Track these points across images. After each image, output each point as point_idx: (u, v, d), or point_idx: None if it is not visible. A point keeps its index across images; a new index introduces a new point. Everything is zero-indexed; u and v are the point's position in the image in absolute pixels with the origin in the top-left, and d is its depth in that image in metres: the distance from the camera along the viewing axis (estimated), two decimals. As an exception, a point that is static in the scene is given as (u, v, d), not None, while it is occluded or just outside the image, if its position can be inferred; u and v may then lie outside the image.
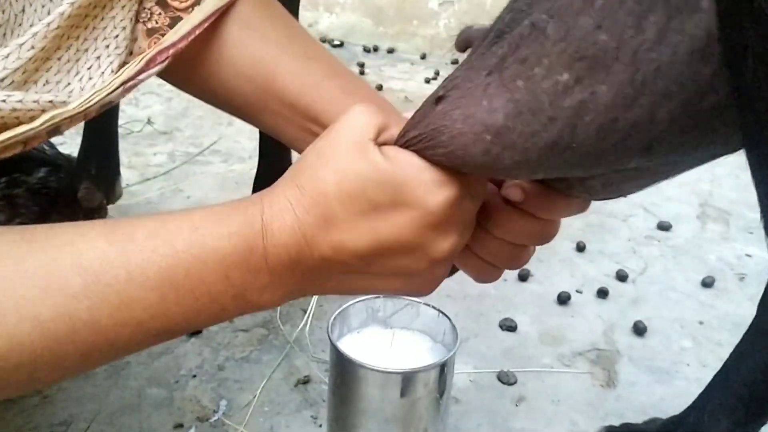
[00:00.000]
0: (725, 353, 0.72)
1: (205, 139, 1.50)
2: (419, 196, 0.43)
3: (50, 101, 0.48)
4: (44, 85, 0.50)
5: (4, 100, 0.46)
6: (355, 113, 0.45)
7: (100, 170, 1.12)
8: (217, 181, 1.34)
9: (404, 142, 0.44)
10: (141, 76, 0.53)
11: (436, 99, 0.43)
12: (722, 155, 0.40)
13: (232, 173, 1.37)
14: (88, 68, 0.52)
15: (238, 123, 1.60)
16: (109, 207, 1.16)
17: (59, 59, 0.51)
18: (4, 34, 0.49)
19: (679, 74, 0.34)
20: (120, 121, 1.21)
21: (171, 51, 0.55)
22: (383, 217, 0.43)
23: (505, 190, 0.47)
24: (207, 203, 1.25)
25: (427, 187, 0.43)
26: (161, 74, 0.57)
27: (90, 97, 0.49)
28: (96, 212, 1.12)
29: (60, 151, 1.15)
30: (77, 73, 0.51)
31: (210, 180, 1.35)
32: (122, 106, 1.38)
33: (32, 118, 0.47)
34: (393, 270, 0.45)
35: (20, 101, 0.46)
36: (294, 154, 1.12)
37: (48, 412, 0.79)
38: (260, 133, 1.10)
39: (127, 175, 1.28)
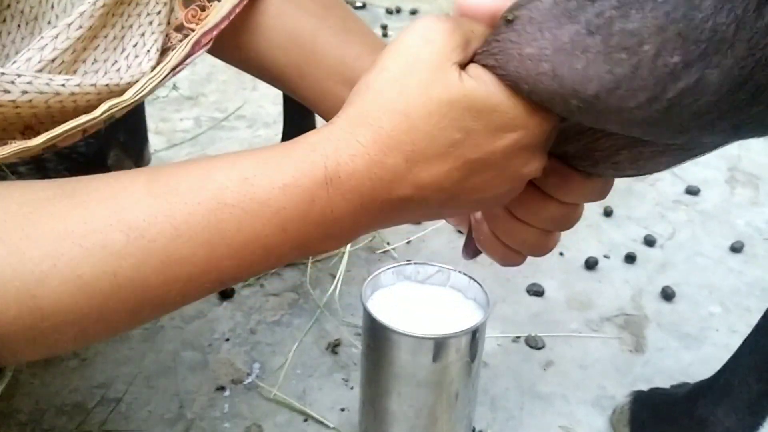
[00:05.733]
0: (754, 319, 0.72)
1: (230, 104, 1.50)
2: (519, 117, 0.40)
3: (106, 84, 0.49)
4: (93, 63, 0.51)
5: (63, 84, 0.46)
6: (429, 30, 0.40)
7: (128, 137, 1.13)
8: (244, 146, 1.34)
9: (484, 66, 0.41)
10: (187, 60, 0.53)
11: (526, 36, 0.38)
12: None
13: (258, 138, 1.38)
14: (134, 45, 0.52)
15: (263, 88, 1.60)
16: (139, 173, 1.17)
17: (105, 37, 0.51)
18: (36, 17, 0.50)
19: None
20: (147, 87, 1.22)
21: (215, 32, 0.55)
22: (478, 144, 0.40)
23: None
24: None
25: (525, 108, 0.40)
26: None
27: (144, 85, 0.49)
28: (126, 178, 1.14)
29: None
30: (123, 51, 0.52)
31: (236, 145, 1.35)
32: (148, 72, 1.39)
33: (88, 102, 0.48)
34: (477, 196, 0.43)
35: (78, 85, 0.47)
36: (318, 119, 1.13)
37: (87, 374, 0.81)
38: (284, 98, 1.10)
39: (154, 141, 1.29)
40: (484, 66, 0.41)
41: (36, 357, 0.42)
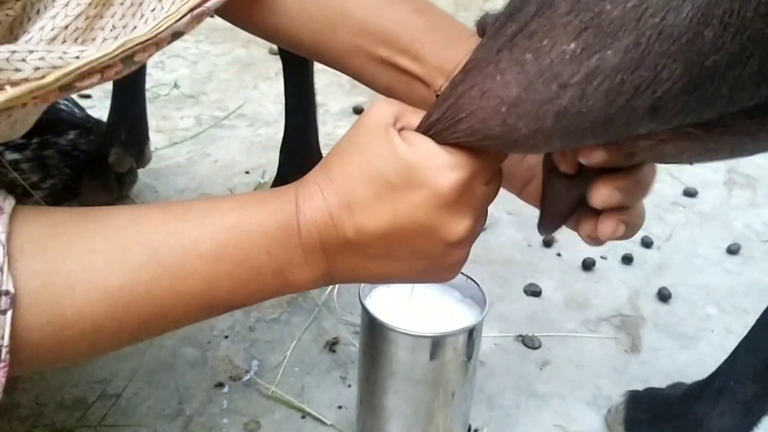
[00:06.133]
0: (750, 320, 0.73)
1: (231, 102, 1.51)
2: (430, 177, 0.45)
3: (122, 51, 0.46)
4: (111, 30, 0.50)
5: (77, 57, 0.44)
6: (375, 105, 0.48)
7: (129, 135, 1.14)
8: (244, 145, 1.35)
9: (427, 125, 0.47)
10: (209, 3, 0.50)
11: (454, 82, 0.45)
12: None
13: (259, 137, 1.38)
14: (152, 10, 0.51)
15: (263, 86, 1.61)
16: (139, 171, 1.17)
17: (122, 4, 0.50)
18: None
19: (680, 36, 0.36)
20: (147, 85, 1.22)
21: None
22: (400, 197, 0.45)
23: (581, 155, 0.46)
24: (235, 167, 1.27)
25: (439, 168, 0.45)
26: (222, 13, 0.57)
27: (160, 22, 0.48)
28: (127, 176, 1.14)
29: (89, 114, 1.17)
30: (142, 16, 0.51)
31: (237, 144, 1.35)
32: (149, 70, 1.38)
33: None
34: (412, 254, 0.48)
35: (94, 56, 0.44)
36: (320, 118, 1.13)
37: (87, 370, 0.82)
38: (286, 97, 1.10)
39: (155, 139, 1.29)
40: (429, 123, 0.47)
41: (49, 366, 0.48)
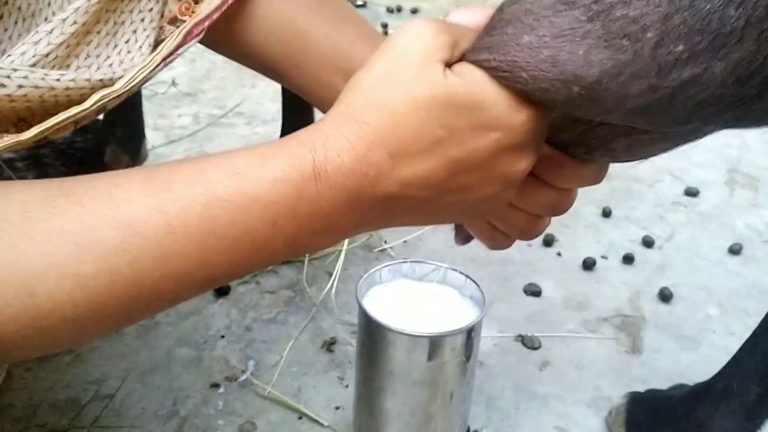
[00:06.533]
0: (752, 321, 0.72)
1: (229, 101, 1.50)
2: (502, 115, 0.40)
3: (100, 80, 0.49)
4: (86, 59, 0.51)
5: (58, 79, 0.46)
6: (418, 30, 0.41)
7: (126, 133, 1.13)
8: (242, 143, 1.34)
9: (475, 61, 0.41)
10: (179, 51, 0.53)
11: (523, 26, 0.39)
12: None
13: (256, 135, 1.37)
14: (126, 42, 0.52)
15: (261, 85, 1.60)
16: (136, 169, 1.16)
17: (98, 33, 0.52)
18: (33, 14, 0.50)
19: None
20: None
21: (207, 23, 0.54)
22: (460, 142, 0.40)
23: None
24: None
25: (510, 105, 0.40)
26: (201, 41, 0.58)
27: (134, 75, 0.49)
28: (123, 174, 1.13)
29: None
30: (116, 47, 0.52)
31: (234, 142, 1.35)
32: (147, 68, 1.38)
33: (82, 96, 0.48)
34: (463, 197, 0.43)
35: (72, 80, 0.47)
36: (317, 114, 1.12)
37: (80, 370, 0.81)
38: (283, 95, 1.10)
39: (152, 137, 1.28)
40: (477, 61, 0.41)
41: (31, 356, 0.43)
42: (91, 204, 0.39)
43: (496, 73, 0.40)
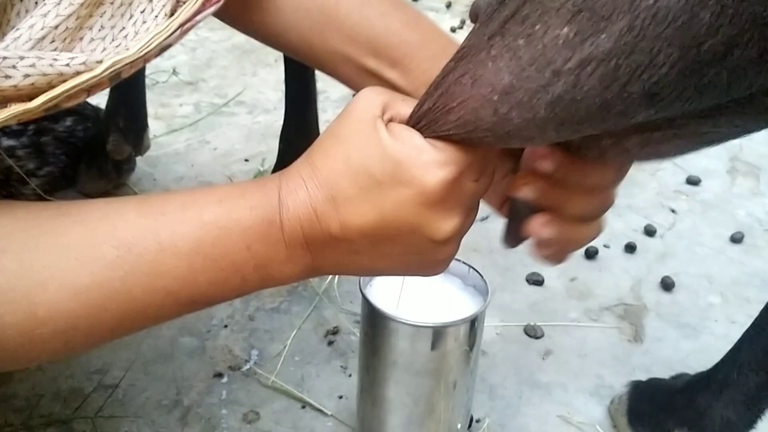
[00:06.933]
0: (753, 310, 0.72)
1: (230, 89, 1.49)
2: (416, 175, 0.43)
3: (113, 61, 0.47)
4: (99, 30, 0.49)
5: (67, 64, 0.44)
6: (363, 93, 0.46)
7: (128, 122, 1.12)
8: (243, 132, 1.34)
9: (417, 116, 0.45)
10: (198, 17, 0.51)
11: (446, 70, 0.43)
12: (746, 116, 0.40)
13: (258, 125, 1.37)
14: (141, 11, 0.50)
15: (263, 74, 1.60)
16: (138, 158, 1.16)
17: (112, 3, 0.50)
18: None
19: (675, 19, 0.34)
20: (145, 72, 1.21)
21: None
22: (386, 194, 0.44)
23: (535, 163, 0.47)
24: (234, 155, 1.26)
25: (426, 166, 0.43)
26: (216, 14, 0.55)
27: (149, 41, 0.48)
28: (125, 164, 1.13)
29: (87, 100, 1.16)
30: (131, 17, 0.50)
31: (236, 131, 1.34)
32: (147, 56, 1.37)
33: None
34: (399, 250, 0.46)
35: (83, 63, 0.45)
36: (320, 103, 1.12)
37: (83, 360, 0.81)
38: (286, 84, 1.09)
39: (154, 126, 1.28)
40: (419, 115, 0.45)
41: (22, 365, 0.47)
42: (91, 224, 0.44)
43: (435, 115, 0.44)
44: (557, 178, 0.47)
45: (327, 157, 0.45)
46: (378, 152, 0.44)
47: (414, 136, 0.44)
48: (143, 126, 1.17)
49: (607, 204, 0.50)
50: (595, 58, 0.36)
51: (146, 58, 0.48)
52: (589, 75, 0.37)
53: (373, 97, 0.46)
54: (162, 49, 0.49)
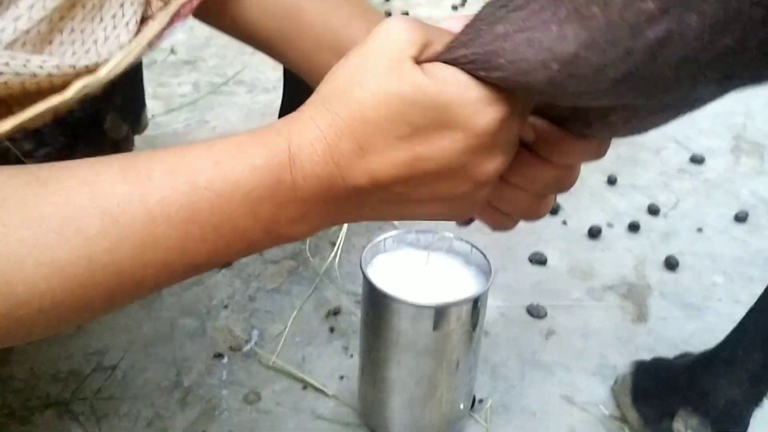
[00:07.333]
0: (757, 289, 0.71)
1: (229, 68, 1.48)
2: (466, 116, 0.40)
3: (85, 66, 0.47)
4: (70, 33, 0.49)
5: (40, 66, 0.44)
6: (393, 27, 0.41)
7: (125, 102, 1.11)
8: (243, 111, 1.33)
9: (452, 59, 0.41)
10: (166, 32, 0.51)
11: (491, 18, 0.39)
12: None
13: (257, 104, 1.36)
14: (112, 16, 0.50)
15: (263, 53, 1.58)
16: (136, 138, 1.15)
17: (83, 7, 0.49)
18: None
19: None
20: (144, 51, 1.19)
21: (195, 2, 0.52)
22: (426, 140, 0.40)
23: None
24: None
25: (475, 106, 0.40)
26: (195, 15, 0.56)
27: (118, 62, 0.48)
28: (122, 143, 1.12)
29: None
30: (101, 21, 0.50)
31: (235, 110, 1.33)
32: (145, 35, 1.36)
33: (65, 81, 0.46)
34: (434, 195, 0.43)
35: (56, 66, 0.45)
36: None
37: (83, 341, 0.81)
38: (285, 63, 1.08)
39: (152, 105, 1.27)
40: (454, 59, 0.41)
41: (8, 345, 0.42)
42: (70, 192, 0.39)
43: (474, 66, 0.40)
44: (533, 149, 0.46)
45: (352, 104, 0.40)
46: (418, 97, 0.40)
47: (457, 74, 0.40)
48: (141, 105, 1.16)
49: (570, 181, 0.49)
50: (679, 40, 0.33)
51: (114, 77, 0.48)
52: (668, 56, 0.33)
53: (404, 33, 0.41)
54: (131, 65, 0.49)
